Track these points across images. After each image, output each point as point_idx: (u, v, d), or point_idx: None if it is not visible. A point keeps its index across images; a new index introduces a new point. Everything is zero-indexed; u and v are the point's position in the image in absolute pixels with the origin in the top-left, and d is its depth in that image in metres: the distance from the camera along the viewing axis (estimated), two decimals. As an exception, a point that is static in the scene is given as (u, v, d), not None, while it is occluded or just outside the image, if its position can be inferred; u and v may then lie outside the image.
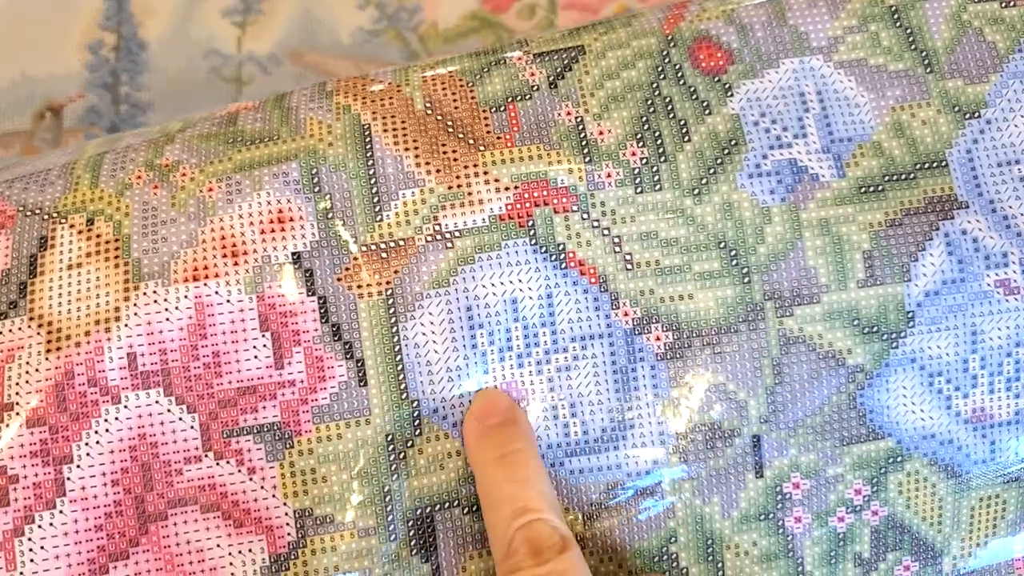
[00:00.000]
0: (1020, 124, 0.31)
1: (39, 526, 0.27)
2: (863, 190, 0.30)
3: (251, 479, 0.28)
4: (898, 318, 0.30)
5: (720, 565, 0.30)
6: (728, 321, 0.30)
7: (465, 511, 0.29)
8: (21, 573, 0.27)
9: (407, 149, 0.30)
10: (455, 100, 0.30)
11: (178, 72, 0.42)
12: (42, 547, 0.27)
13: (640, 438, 0.30)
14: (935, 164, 0.31)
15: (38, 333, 0.28)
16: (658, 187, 0.30)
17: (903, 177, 0.30)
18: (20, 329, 0.28)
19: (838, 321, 0.30)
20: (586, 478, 0.30)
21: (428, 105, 0.30)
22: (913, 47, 0.31)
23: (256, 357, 0.28)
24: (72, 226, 0.29)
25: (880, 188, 0.30)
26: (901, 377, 0.30)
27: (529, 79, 0.31)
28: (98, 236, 0.29)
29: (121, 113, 0.42)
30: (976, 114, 0.31)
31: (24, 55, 0.42)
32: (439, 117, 0.30)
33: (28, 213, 0.30)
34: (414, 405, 0.29)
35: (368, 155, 0.30)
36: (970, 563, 0.31)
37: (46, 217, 0.30)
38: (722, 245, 0.30)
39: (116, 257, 0.29)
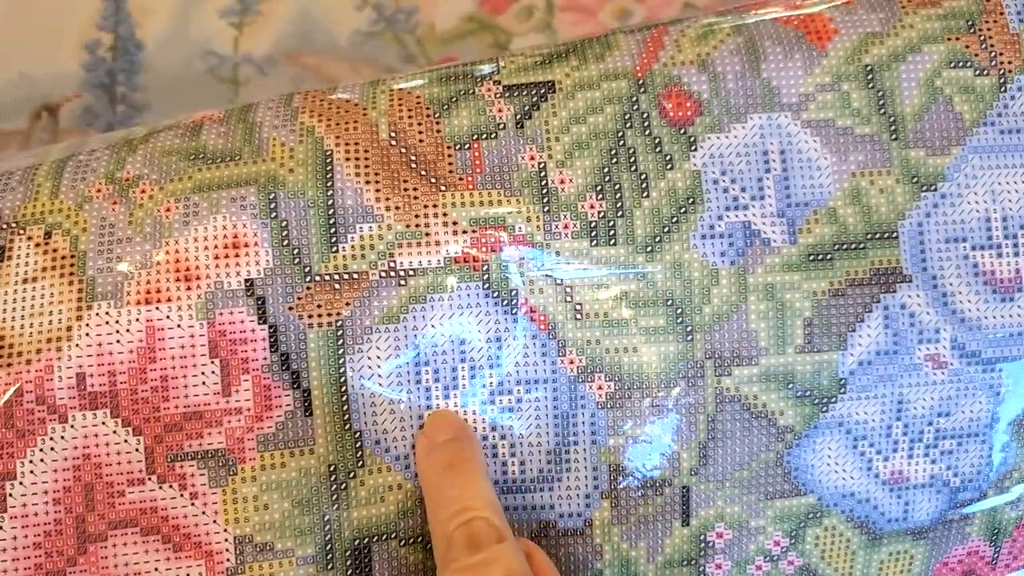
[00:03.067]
0: (972, 201, 0.32)
1: (-21, 541, 0.27)
2: (812, 258, 0.31)
3: (193, 504, 0.29)
4: (830, 384, 0.31)
5: (640, 602, 0.32)
6: (668, 376, 0.31)
7: (402, 544, 0.30)
8: (-41, 585, 0.27)
9: (368, 182, 0.30)
10: (420, 132, 0.30)
11: (175, 73, 0.42)
12: (-18, 561, 0.27)
13: (575, 481, 0.31)
14: (886, 235, 0.31)
15: (-13, 347, 0.28)
16: (612, 242, 0.30)
17: (853, 247, 0.31)
18: (-32, 343, 0.28)
19: (773, 383, 0.31)
20: (520, 515, 0.31)
21: (393, 135, 0.30)
22: (882, 111, 0.32)
23: (204, 383, 0.29)
24: (30, 238, 0.29)
25: (829, 257, 0.31)
26: (827, 439, 0.32)
27: (496, 115, 0.31)
28: (55, 251, 0.29)
29: (118, 114, 0.41)
30: (933, 187, 0.32)
31: (22, 55, 0.41)
32: (403, 149, 0.30)
33: (-17, 221, 0.29)
34: (356, 436, 0.30)
35: (328, 184, 0.30)
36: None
37: (4, 227, 0.29)
38: (669, 303, 0.31)
39: (71, 274, 0.29)
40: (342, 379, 0.30)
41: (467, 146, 0.30)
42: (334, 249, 0.30)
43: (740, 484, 0.31)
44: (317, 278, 0.30)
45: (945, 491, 0.32)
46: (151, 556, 0.28)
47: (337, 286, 0.30)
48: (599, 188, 0.30)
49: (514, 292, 0.30)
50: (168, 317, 0.29)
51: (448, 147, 0.30)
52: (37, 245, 0.29)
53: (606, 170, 0.30)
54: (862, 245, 0.31)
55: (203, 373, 0.29)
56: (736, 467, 0.31)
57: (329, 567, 0.29)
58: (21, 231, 0.29)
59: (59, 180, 0.30)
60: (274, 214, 0.29)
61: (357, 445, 0.30)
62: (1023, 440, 0.32)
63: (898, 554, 0.33)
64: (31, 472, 0.28)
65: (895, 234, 0.32)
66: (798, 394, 0.31)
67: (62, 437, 0.28)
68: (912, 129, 0.32)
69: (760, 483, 0.31)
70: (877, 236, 0.31)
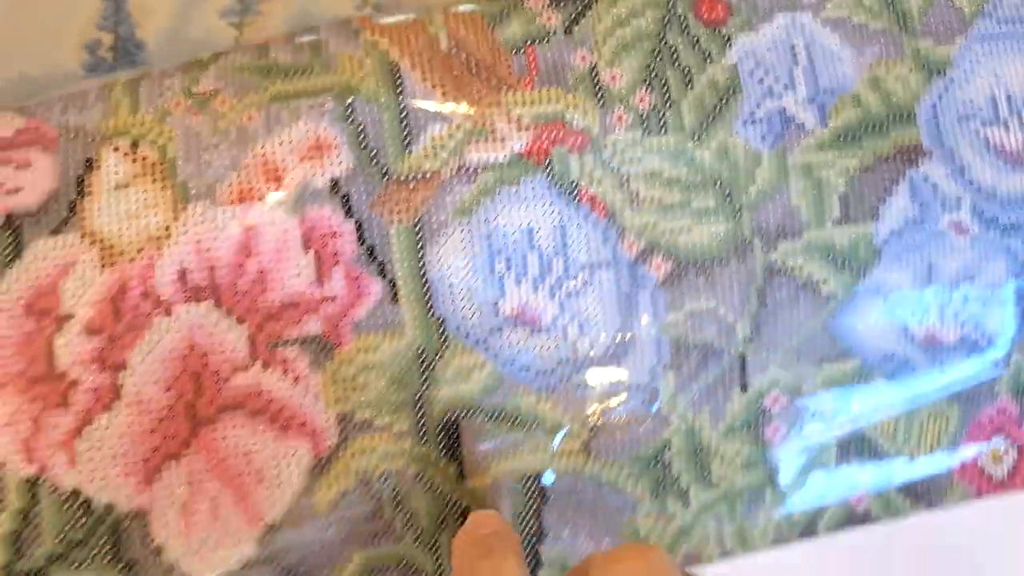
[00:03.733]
0: (979, 84, 0.35)
1: (96, 428, 0.29)
2: (842, 138, 0.34)
3: (296, 387, 0.30)
4: (867, 253, 0.34)
5: (707, 471, 0.34)
6: (720, 253, 0.33)
7: (487, 419, 0.32)
8: (80, 471, 0.29)
9: (434, 86, 0.32)
10: (477, 41, 0.33)
11: None
12: (100, 446, 0.29)
13: (640, 356, 0.33)
14: (905, 116, 0.34)
15: (91, 249, 0.30)
16: (663, 131, 0.33)
17: (877, 127, 0.34)
18: (73, 245, 0.30)
19: (815, 254, 0.34)
20: (590, 392, 0.33)
21: (453, 45, 0.33)
22: (891, 8, 0.35)
23: (299, 275, 0.31)
24: (116, 149, 0.31)
25: (857, 137, 0.34)
26: (867, 304, 0.34)
27: (546, 23, 0.33)
28: (143, 159, 0.31)
29: None
30: (942, 72, 0.35)
31: (21, 55, 0.42)
32: (464, 57, 0.33)
33: (71, 135, 0.31)
34: (440, 321, 0.32)
35: (399, 90, 0.32)
36: (917, 471, 0.36)
37: (90, 140, 0.31)
38: (718, 185, 0.33)
39: (163, 179, 0.31)
40: (423, 270, 0.32)
41: (522, 50, 0.33)
42: (408, 150, 0.32)
43: (791, 351, 0.34)
44: (394, 177, 0.32)
45: (975, 351, 0.35)
46: (259, 437, 0.30)
47: (413, 184, 0.32)
48: (647, 83, 0.33)
49: (575, 183, 0.33)
50: (261, 214, 0.31)
51: (504, 52, 0.33)
52: (125, 155, 0.31)
53: (652, 67, 0.33)
54: (885, 126, 0.34)
55: (298, 265, 0.31)
56: (786, 335, 0.34)
57: (423, 441, 0.31)
58: (107, 143, 0.31)
59: (136, 96, 0.32)
60: (351, 119, 0.32)
61: (441, 330, 0.32)
62: (1041, 297, 0.35)
63: (936, 415, 0.35)
64: (141, 362, 0.29)
65: (912, 115, 0.35)
66: (839, 263, 0.34)
67: (168, 329, 0.30)
68: (919, 23, 0.35)
69: (809, 349, 0.34)
70: (897, 117, 0.34)
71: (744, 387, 0.34)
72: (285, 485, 0.30)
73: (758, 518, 0.34)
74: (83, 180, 0.31)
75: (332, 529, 0.30)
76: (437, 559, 0.31)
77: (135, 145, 0.31)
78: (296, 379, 0.30)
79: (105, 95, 0.32)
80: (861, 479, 0.35)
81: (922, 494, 0.35)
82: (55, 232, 0.30)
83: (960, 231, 0.35)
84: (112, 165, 0.31)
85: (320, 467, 0.30)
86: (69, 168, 0.31)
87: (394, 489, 0.31)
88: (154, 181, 0.31)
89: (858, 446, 0.35)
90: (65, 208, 0.30)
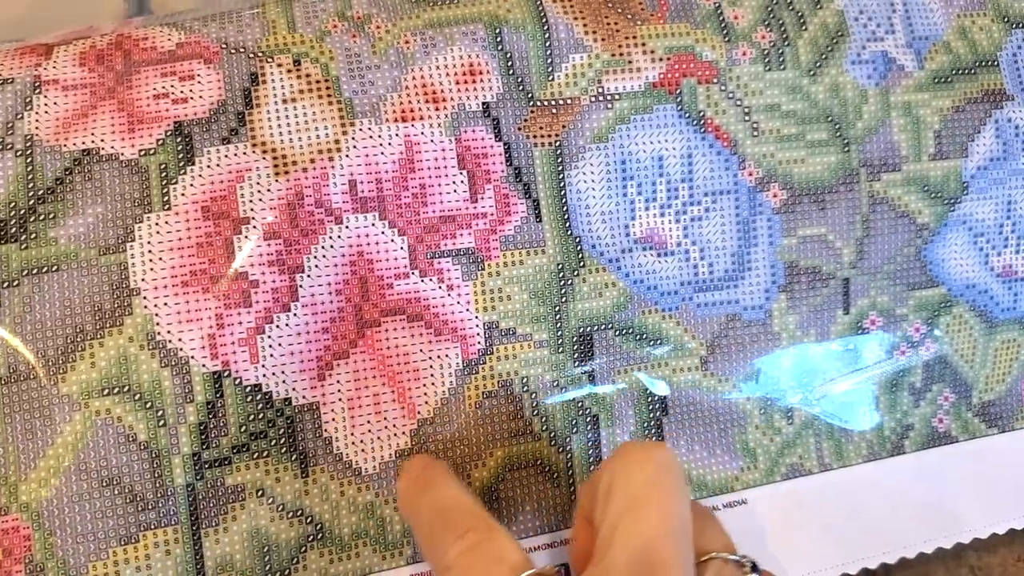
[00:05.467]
0: (1055, 37, 0.38)
1: (276, 326, 0.31)
2: (936, 80, 0.37)
3: (449, 295, 0.32)
4: (956, 186, 0.37)
5: (810, 390, 0.36)
6: (831, 182, 0.36)
7: (616, 333, 0.34)
8: (263, 365, 0.30)
9: (576, 18, 0.34)
10: (613, -23, 0.35)
11: None
12: (279, 344, 0.31)
13: (756, 278, 0.36)
14: (989, 63, 0.38)
15: (263, 158, 0.31)
16: (782, 66, 0.36)
17: (966, 72, 0.37)
18: (245, 153, 0.31)
19: (913, 186, 0.37)
20: (710, 311, 0.36)
21: (591, -19, 0.35)
22: None
23: (455, 191, 0.33)
24: (280, 65, 0.32)
25: (949, 80, 0.37)
26: (954, 236, 0.37)
27: None
28: (307, 76, 0.32)
29: None
30: (1021, 24, 0.38)
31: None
32: (602, -7, 0.35)
33: (232, 51, 0.33)
34: (577, 241, 0.34)
35: (543, 20, 0.34)
36: (991, 396, 0.39)
37: (251, 56, 0.33)
38: (829, 119, 0.36)
39: (329, 95, 0.32)
40: (562, 191, 0.34)
41: (654, -12, 0.35)
42: (551, 77, 0.34)
43: (888, 276, 0.37)
44: (538, 103, 0.34)
45: (1045, 283, 0.38)
46: (416, 339, 0.32)
47: (555, 110, 0.34)
48: (766, 22, 0.36)
49: (702, 113, 0.35)
50: (422, 133, 0.32)
51: None
52: (288, 71, 0.32)
53: (769, 8, 0.36)
54: (973, 71, 0.37)
55: (454, 182, 0.33)
56: (885, 260, 0.37)
57: (559, 350, 0.33)
58: (269, 59, 0.33)
59: (291, 16, 0.33)
60: (500, 46, 0.34)
61: (577, 248, 0.34)
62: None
63: (1009, 341, 0.39)
64: (315, 267, 0.31)
65: (996, 62, 0.38)
66: (932, 195, 0.37)
67: (339, 236, 0.31)
68: None
69: (903, 275, 0.37)
70: (983, 64, 0.38)
71: (847, 309, 0.37)
72: (437, 383, 0.32)
73: (852, 435, 0.37)
74: (249, 93, 0.32)
75: (476, 426, 0.32)
76: (569, 460, 0.34)
77: (297, 62, 0.33)
78: (450, 287, 0.32)
79: (259, 16, 0.33)
80: (942, 401, 0.38)
81: (995, 418, 0.39)
82: (226, 141, 0.31)
83: (1039, 170, 0.38)
84: (277, 80, 0.32)
85: (468, 369, 0.32)
86: (234, 81, 0.32)
87: (532, 393, 0.33)
88: (320, 97, 0.32)
89: (941, 369, 0.38)
90: (234, 118, 0.32)
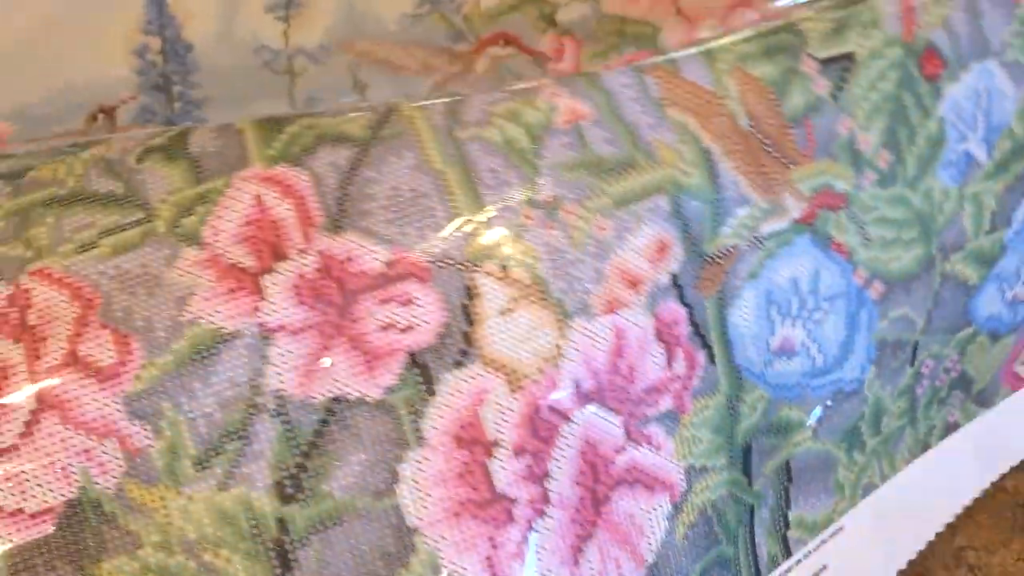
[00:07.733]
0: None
1: (537, 531, 0.33)
2: (998, 166, 0.42)
3: (658, 455, 0.36)
4: (995, 249, 0.44)
5: (879, 427, 0.44)
6: (917, 271, 0.42)
7: (764, 435, 0.40)
8: (535, 571, 0.33)
9: (741, 173, 0.36)
10: (768, 116, 0.36)
11: (230, 69, 0.41)
12: (544, 547, 0.33)
13: (856, 358, 0.42)
14: (1031, 138, 0.43)
15: (497, 376, 0.32)
16: (893, 183, 0.39)
17: (1020, 151, 0.43)
18: (480, 375, 0.32)
19: (970, 258, 0.43)
20: (820, 391, 0.41)
21: (751, 124, 0.36)
22: None
23: (655, 363, 0.35)
24: (489, 274, 0.32)
25: (1008, 164, 0.42)
26: (990, 287, 0.45)
27: (818, 92, 0.37)
28: (517, 281, 0.33)
29: (176, 110, 0.41)
30: None
31: (70, 66, 0.39)
32: (759, 136, 0.36)
33: (440, 264, 0.32)
34: (737, 369, 0.38)
35: (715, 179, 0.35)
36: (983, 385, 0.48)
37: (460, 267, 0.32)
38: (921, 220, 0.41)
39: (542, 300, 0.33)
40: (725, 331, 0.37)
41: (801, 124, 0.37)
42: (716, 233, 0.36)
43: (940, 330, 0.44)
44: (707, 258, 0.36)
45: (1036, 300, 0.47)
46: (638, 501, 0.36)
47: (721, 261, 0.36)
48: (887, 144, 0.39)
49: (828, 236, 0.39)
50: (627, 319, 0.34)
51: (788, 126, 0.37)
52: (499, 279, 0.33)
53: (891, 128, 0.39)
54: (1022, 148, 0.43)
55: (654, 355, 0.35)
56: (942, 319, 0.44)
57: (733, 468, 0.39)
58: (477, 267, 0.32)
59: (478, 204, 0.33)
60: (679, 214, 0.35)
61: (738, 376, 0.38)
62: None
63: (1006, 345, 0.48)
64: (558, 468, 0.34)
65: (1036, 136, 0.43)
66: (980, 261, 0.43)
67: (571, 434, 0.34)
68: None
69: (952, 327, 0.44)
70: (1029, 139, 0.43)
71: (912, 363, 0.44)
72: (657, 531, 0.36)
73: (900, 448, 0.46)
74: (468, 309, 0.32)
75: (682, 555, 0.38)
76: (747, 551, 0.40)
77: (504, 268, 0.33)
78: (657, 448, 0.36)
79: (449, 203, 0.32)
80: (955, 400, 0.47)
81: (984, 402, 0.48)
82: (459, 364, 0.32)
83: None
84: (491, 290, 0.32)
85: (675, 510, 0.37)
86: (452, 298, 0.32)
87: (720, 513, 0.38)
88: (533, 303, 0.33)
89: (962, 382, 0.46)
90: (461, 339, 0.32)
